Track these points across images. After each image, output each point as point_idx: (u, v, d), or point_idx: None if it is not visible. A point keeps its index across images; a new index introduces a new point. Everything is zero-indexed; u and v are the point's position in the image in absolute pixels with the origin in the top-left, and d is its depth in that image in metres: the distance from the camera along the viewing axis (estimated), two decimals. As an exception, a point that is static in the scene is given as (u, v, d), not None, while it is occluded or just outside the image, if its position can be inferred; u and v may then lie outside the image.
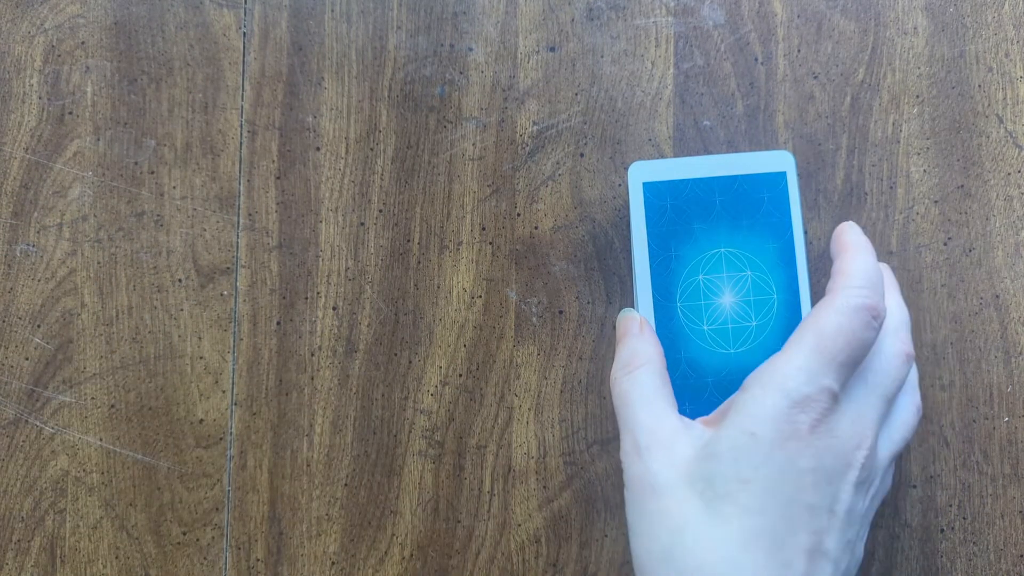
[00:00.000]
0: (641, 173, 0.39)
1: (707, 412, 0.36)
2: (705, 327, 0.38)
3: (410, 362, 0.42)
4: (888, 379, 0.34)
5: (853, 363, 0.33)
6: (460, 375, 0.42)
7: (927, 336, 0.42)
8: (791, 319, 0.38)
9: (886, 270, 0.38)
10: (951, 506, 0.41)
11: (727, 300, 0.38)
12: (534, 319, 0.42)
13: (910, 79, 0.43)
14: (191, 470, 0.42)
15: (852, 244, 0.36)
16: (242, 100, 0.43)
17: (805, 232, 0.41)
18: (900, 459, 0.41)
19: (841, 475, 0.32)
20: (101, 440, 0.42)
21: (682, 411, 0.37)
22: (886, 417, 0.34)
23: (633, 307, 0.39)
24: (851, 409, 0.33)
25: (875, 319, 0.33)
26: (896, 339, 0.35)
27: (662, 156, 0.42)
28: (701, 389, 0.38)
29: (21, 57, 0.43)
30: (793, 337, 0.33)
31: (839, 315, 0.33)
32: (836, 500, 0.32)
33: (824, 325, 0.33)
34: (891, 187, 0.42)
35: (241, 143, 0.43)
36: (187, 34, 0.43)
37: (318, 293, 0.42)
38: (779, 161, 0.39)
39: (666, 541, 0.32)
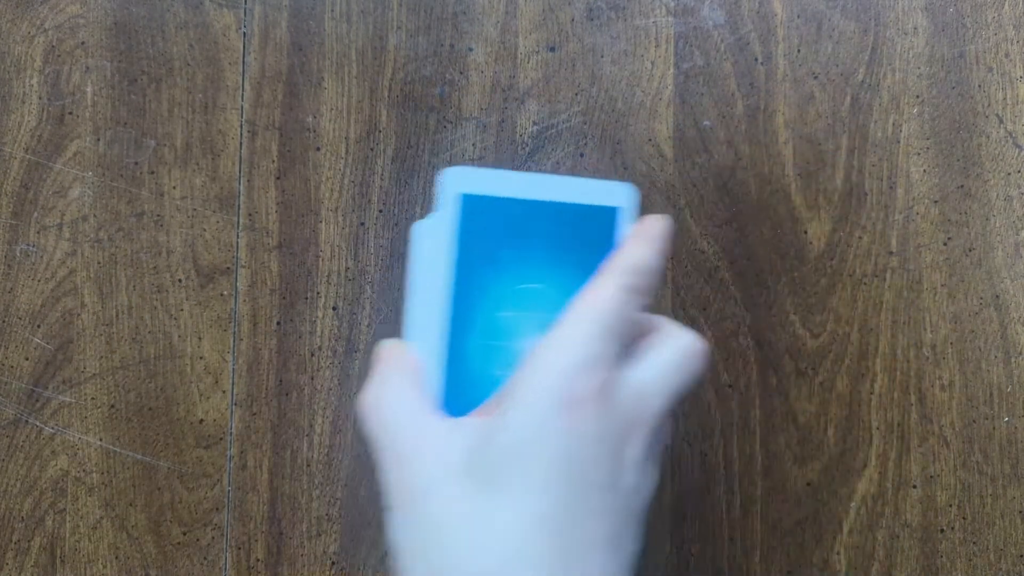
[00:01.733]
0: (459, 182, 0.32)
1: None
2: (498, 372, 0.32)
3: (410, 362, 0.42)
4: (679, 365, 0.32)
5: (626, 336, 0.31)
6: (460, 375, 0.42)
7: (927, 336, 0.42)
8: None
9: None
10: (951, 506, 0.41)
11: (529, 345, 0.32)
12: (534, 319, 0.42)
13: (910, 79, 0.43)
14: (191, 470, 0.42)
15: (643, 232, 0.33)
16: (242, 100, 0.43)
17: None
18: (900, 458, 0.41)
19: (623, 446, 0.30)
20: (101, 440, 0.42)
21: None
22: (666, 388, 0.32)
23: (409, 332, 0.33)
24: (632, 379, 0.31)
25: (642, 299, 0.31)
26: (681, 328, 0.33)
27: (662, 157, 0.42)
28: None
29: (21, 57, 0.43)
30: (567, 313, 0.31)
31: (612, 289, 0.31)
32: (620, 475, 0.30)
33: (598, 298, 0.31)
34: (891, 187, 0.42)
35: (241, 143, 0.43)
36: (187, 34, 0.43)
37: (318, 293, 0.42)
38: (617, 194, 0.33)
39: (432, 543, 0.28)
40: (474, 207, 0.32)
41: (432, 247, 0.32)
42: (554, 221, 0.33)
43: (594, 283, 0.32)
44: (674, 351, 0.32)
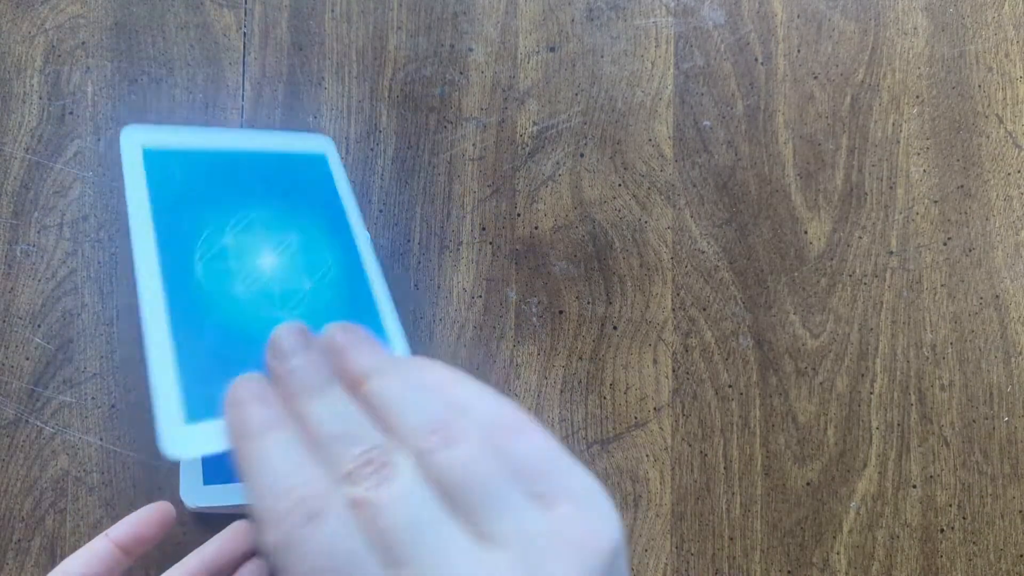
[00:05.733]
0: (138, 138, 0.31)
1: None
2: (234, 290, 0.30)
3: (410, 362, 0.42)
4: None
5: None
6: (460, 375, 0.42)
7: (927, 336, 0.42)
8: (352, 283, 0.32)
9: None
10: (951, 506, 0.41)
11: (267, 260, 0.31)
12: (534, 319, 0.42)
13: (910, 79, 0.43)
14: (191, 470, 0.42)
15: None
16: (242, 100, 0.43)
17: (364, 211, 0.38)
18: (900, 458, 0.41)
19: None
20: (101, 440, 0.42)
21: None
22: None
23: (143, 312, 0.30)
24: None
25: None
26: None
27: (662, 157, 0.42)
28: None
29: (22, 57, 0.43)
30: None
31: None
32: None
33: None
34: (891, 187, 0.42)
35: (241, 143, 0.43)
36: (187, 34, 0.43)
37: (318, 293, 0.42)
38: (320, 144, 0.34)
39: None
40: (161, 162, 0.31)
41: (131, 205, 0.31)
42: (260, 170, 0.32)
43: None
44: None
